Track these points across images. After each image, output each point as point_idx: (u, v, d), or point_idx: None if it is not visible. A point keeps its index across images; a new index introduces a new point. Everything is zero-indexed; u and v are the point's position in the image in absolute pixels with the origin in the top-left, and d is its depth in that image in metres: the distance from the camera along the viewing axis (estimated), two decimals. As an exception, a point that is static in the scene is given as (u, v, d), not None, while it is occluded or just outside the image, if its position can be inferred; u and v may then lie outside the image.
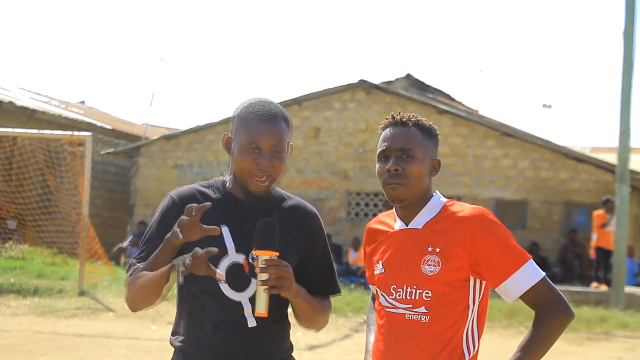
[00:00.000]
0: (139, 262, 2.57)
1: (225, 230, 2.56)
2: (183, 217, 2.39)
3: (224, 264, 2.54)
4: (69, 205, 17.36)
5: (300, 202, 2.73)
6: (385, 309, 2.56)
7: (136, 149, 20.16)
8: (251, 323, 2.53)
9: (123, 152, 20.58)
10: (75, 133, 13.79)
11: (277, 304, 2.55)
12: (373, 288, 2.72)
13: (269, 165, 2.54)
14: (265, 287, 2.38)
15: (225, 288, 2.54)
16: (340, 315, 12.14)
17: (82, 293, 12.45)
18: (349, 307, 12.54)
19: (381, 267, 2.61)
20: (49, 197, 17.73)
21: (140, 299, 2.55)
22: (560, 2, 74.66)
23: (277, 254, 2.42)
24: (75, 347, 8.94)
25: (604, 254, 15.79)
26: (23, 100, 20.80)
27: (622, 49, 14.66)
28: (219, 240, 2.54)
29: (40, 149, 17.72)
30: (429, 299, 2.48)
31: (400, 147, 2.53)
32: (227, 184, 2.66)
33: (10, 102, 18.48)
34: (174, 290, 2.64)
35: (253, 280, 2.50)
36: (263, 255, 2.40)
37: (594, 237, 15.85)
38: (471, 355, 2.51)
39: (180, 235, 2.38)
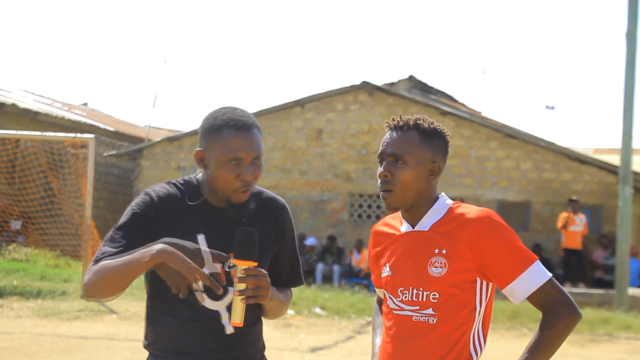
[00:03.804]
0: (109, 250, 2.45)
1: (201, 239, 2.52)
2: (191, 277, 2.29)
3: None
4: (71, 207, 17.38)
5: (270, 196, 2.71)
6: (393, 311, 2.56)
7: (139, 150, 20.17)
8: (229, 330, 2.53)
9: (126, 154, 20.59)
10: (78, 135, 13.78)
11: (252, 308, 2.54)
12: (379, 291, 2.72)
13: (252, 178, 2.52)
14: (243, 297, 2.38)
15: (201, 297, 2.52)
16: (343, 317, 12.13)
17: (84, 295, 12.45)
18: (352, 309, 12.53)
19: (388, 269, 2.61)
20: (52, 199, 17.75)
21: (105, 287, 2.42)
22: (563, 4, 74.67)
23: (256, 264, 2.41)
24: (78, 349, 8.94)
25: (571, 254, 16.44)
26: (26, 102, 20.82)
27: (624, 50, 14.67)
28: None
29: (43, 151, 17.74)
30: (436, 300, 2.48)
31: (392, 153, 2.54)
32: (202, 190, 2.60)
33: (13, 104, 18.49)
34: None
35: (230, 289, 2.47)
36: (242, 265, 2.39)
37: (562, 238, 16.56)
38: (478, 356, 2.51)
39: (180, 291, 2.33)
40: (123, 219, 2.53)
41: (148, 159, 19.90)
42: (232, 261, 2.42)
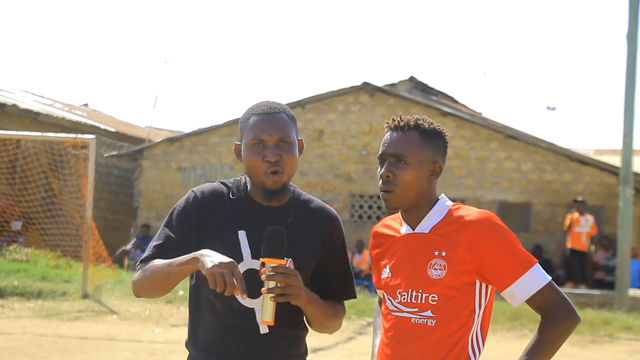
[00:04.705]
0: (155, 250, 2.54)
1: (242, 235, 2.54)
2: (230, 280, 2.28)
3: (239, 270, 2.51)
4: (72, 208, 17.39)
5: (320, 205, 2.71)
6: (392, 313, 2.56)
7: (139, 151, 20.17)
8: (263, 330, 2.52)
9: (126, 154, 20.59)
10: (79, 136, 13.79)
11: (291, 310, 2.53)
12: (380, 292, 2.72)
13: (278, 159, 2.52)
14: (271, 295, 2.37)
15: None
16: (344, 317, 12.12)
17: (85, 296, 12.46)
18: (353, 310, 12.52)
19: (388, 271, 2.61)
20: (53, 200, 17.75)
21: (150, 288, 2.52)
22: (564, 5, 74.67)
23: (285, 262, 2.40)
24: (79, 349, 8.94)
25: (576, 255, 16.49)
26: (27, 102, 20.83)
27: (625, 51, 14.66)
28: (235, 246, 2.52)
29: (43, 152, 17.75)
30: (435, 302, 2.48)
31: (393, 153, 2.54)
32: (248, 187, 2.63)
33: (14, 105, 18.50)
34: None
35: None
36: (270, 263, 2.39)
37: (567, 238, 16.64)
38: (477, 358, 2.51)
39: (219, 289, 2.29)
40: (167, 217, 2.61)
41: (149, 160, 19.90)
42: (261, 259, 2.42)
